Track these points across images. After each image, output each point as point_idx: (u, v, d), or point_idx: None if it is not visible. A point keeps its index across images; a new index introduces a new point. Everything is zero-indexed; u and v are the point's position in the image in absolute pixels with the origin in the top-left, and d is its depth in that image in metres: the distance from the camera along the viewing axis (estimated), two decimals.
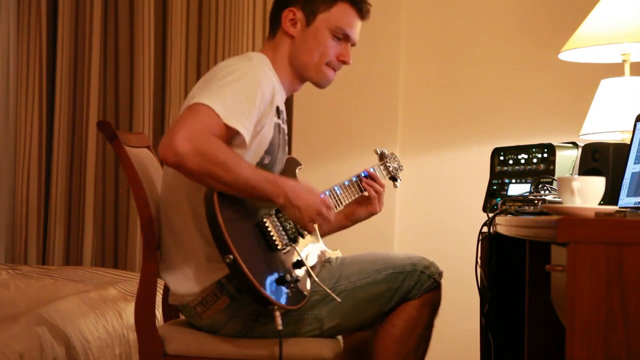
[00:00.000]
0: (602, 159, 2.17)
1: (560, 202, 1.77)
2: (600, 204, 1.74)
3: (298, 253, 2.03)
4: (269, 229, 1.99)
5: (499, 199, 2.36)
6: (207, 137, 1.86)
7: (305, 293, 2.01)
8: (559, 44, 2.79)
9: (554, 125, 3.33)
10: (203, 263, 2.02)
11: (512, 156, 2.49)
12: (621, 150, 2.11)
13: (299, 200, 1.95)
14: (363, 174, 2.31)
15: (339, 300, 2.05)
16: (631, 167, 1.98)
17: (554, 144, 2.39)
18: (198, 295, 2.02)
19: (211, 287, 2.01)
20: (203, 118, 1.88)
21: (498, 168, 2.54)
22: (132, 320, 2.81)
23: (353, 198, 2.28)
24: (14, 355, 2.34)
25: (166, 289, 2.32)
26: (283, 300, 1.91)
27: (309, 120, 3.58)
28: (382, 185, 2.32)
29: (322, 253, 2.19)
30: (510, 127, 3.41)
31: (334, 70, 2.21)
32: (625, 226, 1.35)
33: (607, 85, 2.69)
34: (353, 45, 2.22)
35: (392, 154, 2.46)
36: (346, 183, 2.27)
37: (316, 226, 2.05)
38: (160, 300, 2.34)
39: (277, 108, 2.09)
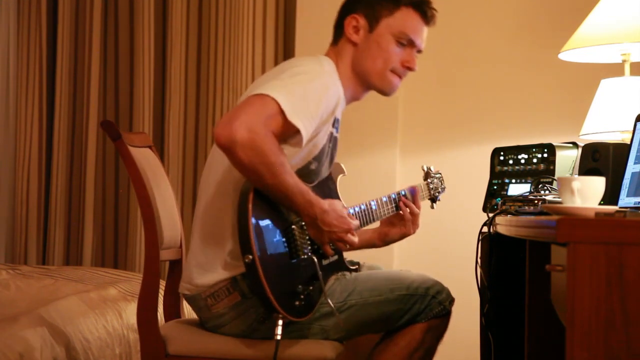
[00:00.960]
0: (602, 159, 2.17)
1: (560, 202, 1.76)
2: (600, 204, 1.74)
3: (317, 266, 1.99)
4: (295, 237, 1.97)
5: (499, 199, 2.35)
6: (265, 134, 1.83)
7: (314, 306, 2.00)
8: (559, 44, 2.78)
9: (554, 125, 3.33)
10: (225, 258, 2.00)
11: (512, 156, 2.49)
12: (621, 150, 2.11)
13: (325, 225, 1.94)
14: (402, 192, 2.29)
15: (341, 321, 2.03)
16: (631, 167, 1.98)
17: (554, 144, 2.39)
18: (211, 287, 2.02)
19: (225, 281, 2.01)
20: (267, 111, 1.86)
21: (498, 168, 2.54)
22: (132, 320, 2.82)
23: (387, 215, 2.26)
24: (14, 355, 2.34)
25: (169, 287, 2.32)
26: (289, 311, 1.91)
27: None
28: (419, 207, 2.30)
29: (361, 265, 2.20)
30: (510, 127, 3.41)
31: (400, 77, 2.15)
32: (625, 226, 1.35)
33: (607, 85, 2.69)
34: (419, 52, 2.17)
35: (438, 172, 2.43)
36: (384, 199, 2.24)
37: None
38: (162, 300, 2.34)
39: (335, 118, 2.07)
